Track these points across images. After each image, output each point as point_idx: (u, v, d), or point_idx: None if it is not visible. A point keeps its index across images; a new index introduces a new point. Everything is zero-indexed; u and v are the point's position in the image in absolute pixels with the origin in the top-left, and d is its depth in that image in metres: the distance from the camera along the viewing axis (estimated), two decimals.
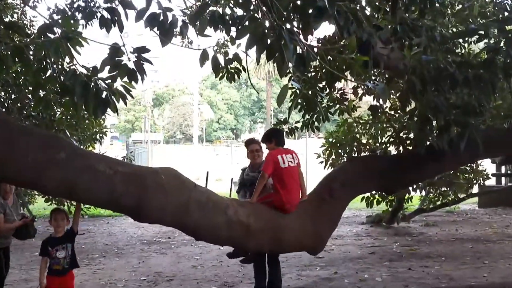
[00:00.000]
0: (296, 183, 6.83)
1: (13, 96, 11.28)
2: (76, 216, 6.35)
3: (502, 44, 7.16)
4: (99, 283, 8.80)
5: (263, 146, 7.45)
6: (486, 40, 7.61)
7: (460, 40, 8.58)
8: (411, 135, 9.32)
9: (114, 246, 12.31)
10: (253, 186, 7.20)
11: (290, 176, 6.77)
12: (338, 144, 12.25)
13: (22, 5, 11.46)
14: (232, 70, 8.24)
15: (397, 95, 8.87)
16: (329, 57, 6.27)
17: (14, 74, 10.08)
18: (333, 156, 12.29)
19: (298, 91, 7.62)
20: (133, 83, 5.22)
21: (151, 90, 71.92)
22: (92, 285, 8.67)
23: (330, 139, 12.38)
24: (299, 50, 4.48)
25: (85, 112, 11.23)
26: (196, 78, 75.60)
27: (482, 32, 7.54)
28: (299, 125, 9.50)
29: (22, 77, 10.44)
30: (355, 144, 12.09)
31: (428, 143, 7.76)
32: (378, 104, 8.91)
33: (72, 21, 5.46)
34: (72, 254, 6.17)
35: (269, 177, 6.66)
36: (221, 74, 8.12)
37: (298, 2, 4.54)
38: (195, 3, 7.09)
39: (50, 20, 5.61)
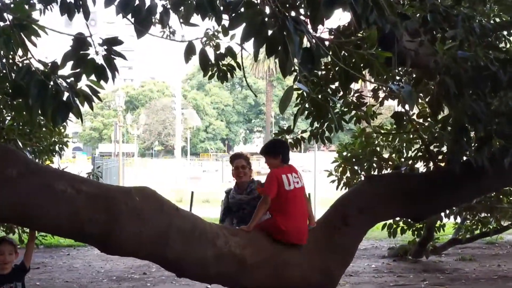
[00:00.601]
0: (303, 209, 6.81)
1: None
2: (29, 248, 6.32)
3: None
4: None
5: (261, 160, 7.43)
6: None
7: (505, 33, 8.60)
8: (444, 149, 9.31)
9: (76, 284, 12.28)
10: (241, 211, 7.20)
11: (295, 201, 6.72)
12: (354, 159, 12.23)
13: None
14: (224, 68, 8.23)
15: (427, 99, 8.86)
16: (343, 52, 6.28)
17: None
18: (348, 174, 12.26)
19: (305, 94, 7.62)
20: (101, 82, 5.21)
21: (124, 91, 71.97)
22: None
23: (344, 153, 12.36)
24: (306, 44, 4.48)
25: (42, 118, 11.25)
26: (179, 77, 75.63)
27: None
28: (306, 135, 9.48)
29: None
30: (375, 159, 12.06)
31: (464, 158, 7.76)
32: (403, 110, 8.91)
33: (26, 6, 5.47)
34: None
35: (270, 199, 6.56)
36: (210, 73, 8.12)
37: None
38: None
39: (0, 3, 5.59)
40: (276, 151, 6.98)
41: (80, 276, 13.09)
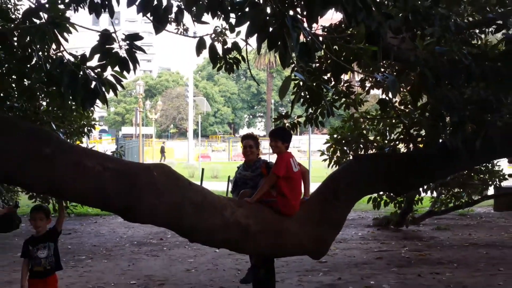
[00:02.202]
0: (300, 188, 6.85)
1: None
2: (60, 215, 6.37)
3: None
4: (86, 286, 8.81)
5: (264, 143, 7.41)
6: (504, 31, 7.60)
7: (477, 30, 8.56)
8: (422, 132, 9.29)
9: (102, 247, 12.32)
10: (245, 185, 7.19)
11: (299, 181, 6.80)
12: (343, 141, 12.22)
13: None
14: (231, 60, 8.23)
15: (408, 88, 8.85)
16: (335, 47, 6.27)
17: None
18: (338, 154, 12.25)
19: (301, 83, 7.61)
20: (124, 72, 5.21)
21: (143, 80, 71.84)
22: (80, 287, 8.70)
23: (335, 135, 12.36)
24: (303, 39, 4.47)
25: (73, 104, 11.24)
26: (191, 68, 75.38)
27: (500, 21, 7.53)
28: (302, 119, 9.48)
29: (5, 65, 10.41)
30: (362, 141, 12.06)
31: (440, 141, 7.75)
32: (387, 98, 8.90)
33: (59, 6, 5.45)
34: (55, 254, 6.16)
35: (279, 179, 6.52)
36: (219, 65, 8.12)
37: None
38: None
39: (36, 4, 5.58)
40: (287, 138, 6.93)
41: (106, 241, 13.15)
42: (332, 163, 12.10)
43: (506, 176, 15.07)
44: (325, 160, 12.35)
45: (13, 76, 10.07)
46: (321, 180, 7.60)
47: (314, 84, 7.15)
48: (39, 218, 6.19)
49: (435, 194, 14.56)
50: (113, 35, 5.02)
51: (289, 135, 7.19)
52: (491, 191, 15.81)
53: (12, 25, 5.61)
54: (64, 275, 8.76)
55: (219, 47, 7.48)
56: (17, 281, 7.63)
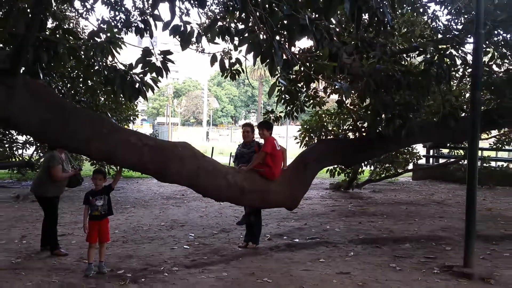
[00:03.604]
0: (281, 162, 6.87)
1: (68, 85, 11.14)
2: (116, 177, 6.36)
3: (435, 58, 7.13)
4: (130, 226, 8.77)
5: (256, 130, 7.37)
6: (424, 55, 7.57)
7: (405, 55, 8.53)
8: (365, 124, 9.28)
9: (142, 200, 12.27)
10: (242, 158, 7.17)
11: (279, 157, 6.84)
12: (310, 130, 12.25)
13: (77, 16, 11.28)
14: (234, 71, 8.16)
15: (356, 94, 8.81)
16: (307, 63, 6.21)
17: (69, 69, 9.94)
18: (307, 139, 12.29)
19: (283, 87, 7.57)
20: (159, 77, 5.15)
21: (172, 85, 71.44)
22: (125, 227, 8.64)
23: (305, 126, 12.37)
24: (285, 57, 4.42)
25: (122, 99, 11.14)
26: (206, 77, 75.03)
27: (421, 49, 7.51)
28: (282, 114, 9.44)
29: (75, 71, 10.29)
30: (323, 130, 12.08)
31: (378, 130, 7.74)
32: (343, 99, 8.88)
33: (114, 29, 5.36)
34: (108, 203, 6.12)
35: (267, 155, 6.61)
36: (225, 74, 8.05)
37: (285, 22, 4.45)
38: (207, 19, 6.99)
39: (98, 28, 5.50)
40: (270, 127, 7.11)
41: (144, 195, 13.10)
42: (302, 145, 12.13)
43: (421, 156, 15.16)
44: (297, 143, 12.37)
45: (81, 79, 10.00)
46: (294, 157, 7.57)
47: (292, 88, 7.11)
48: (99, 178, 6.15)
49: (372, 167, 14.57)
50: (152, 51, 4.96)
51: (271, 125, 7.32)
52: (410, 166, 15.85)
53: (81, 42, 5.50)
54: (114, 218, 8.72)
55: (226, 61, 7.43)
56: (80, 222, 7.59)
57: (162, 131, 39.42)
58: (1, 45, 5.70)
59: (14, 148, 14.34)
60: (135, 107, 13.99)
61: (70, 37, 5.55)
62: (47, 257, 6.59)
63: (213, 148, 20.77)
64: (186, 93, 79.42)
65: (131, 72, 5.12)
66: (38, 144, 14.04)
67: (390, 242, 7.71)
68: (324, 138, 11.92)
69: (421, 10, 8.91)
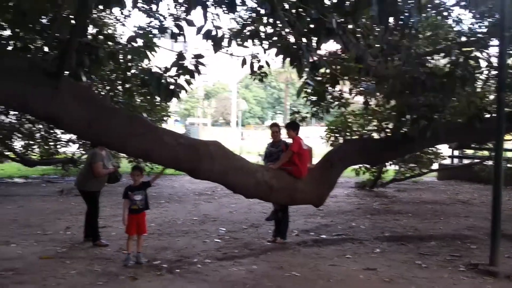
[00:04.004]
0: (307, 160, 6.87)
1: (107, 87, 11.36)
2: (157, 175, 6.50)
3: (460, 60, 7.02)
4: (165, 220, 8.90)
5: (283, 130, 7.37)
6: (448, 57, 7.45)
7: (429, 58, 8.41)
8: (390, 125, 9.18)
9: (175, 195, 12.42)
10: (271, 157, 7.20)
11: (306, 156, 6.83)
12: (336, 130, 12.21)
13: (115, 22, 11.50)
14: (262, 74, 8.17)
15: (381, 96, 8.73)
16: (333, 65, 6.20)
17: (108, 72, 10.14)
18: (332, 139, 12.25)
19: (310, 89, 7.56)
20: (191, 79, 5.22)
21: (203, 87, 71.94)
22: (161, 221, 8.77)
23: (331, 127, 12.34)
24: (312, 59, 4.43)
25: (157, 100, 11.30)
26: (235, 80, 75.35)
27: (446, 51, 7.39)
28: (308, 115, 9.42)
29: (114, 74, 10.49)
30: (348, 130, 12.01)
31: (403, 131, 7.66)
32: (369, 100, 8.82)
33: (149, 35, 5.46)
34: (146, 198, 6.23)
35: (294, 154, 6.61)
36: (254, 76, 8.06)
37: (313, 25, 4.46)
38: (237, 24, 7.04)
39: (135, 33, 5.62)
40: (297, 127, 7.13)
41: (177, 192, 13.24)
42: (328, 145, 12.08)
43: (445, 156, 14.89)
44: (323, 143, 12.33)
45: (119, 81, 10.19)
46: (320, 156, 7.55)
47: (320, 89, 7.10)
48: (136, 174, 6.25)
49: (397, 167, 14.41)
50: (185, 54, 5.03)
51: (298, 125, 7.32)
52: (435, 166, 15.60)
53: (119, 47, 5.63)
54: (150, 212, 8.81)
55: (255, 65, 7.43)
56: (119, 215, 7.74)
57: (193, 131, 39.65)
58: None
59: (58, 146, 14.77)
60: (168, 108, 14.17)
61: (110, 42, 5.67)
62: (89, 247, 6.78)
63: (241, 147, 20.87)
64: (216, 95, 79.89)
65: (166, 75, 5.20)
66: (81, 142, 14.41)
67: (415, 240, 7.63)
68: (349, 138, 11.86)
69: (445, 13, 8.76)
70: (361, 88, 8.47)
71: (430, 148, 12.92)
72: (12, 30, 5.32)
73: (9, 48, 5.02)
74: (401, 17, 4.89)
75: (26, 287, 4.95)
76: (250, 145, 33.52)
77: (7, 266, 5.69)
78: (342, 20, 4.61)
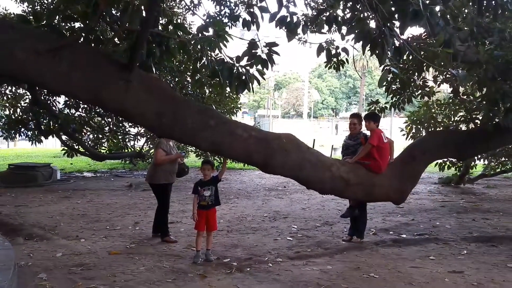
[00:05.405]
0: (387, 155, 6.65)
1: (176, 78, 11.65)
2: (223, 169, 6.49)
3: None
4: (234, 216, 9.01)
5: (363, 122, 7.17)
6: None
7: None
8: (480, 115, 8.67)
9: (244, 191, 12.55)
10: (348, 150, 7.03)
11: (386, 150, 6.61)
12: (418, 121, 11.75)
13: (185, 12, 11.75)
14: (339, 62, 7.98)
15: (471, 83, 8.26)
16: (419, 50, 5.92)
17: (177, 63, 10.37)
18: (413, 131, 11.81)
19: (393, 76, 7.29)
20: (264, 69, 5.17)
21: (273, 77, 72.12)
22: (229, 217, 8.89)
23: (412, 118, 11.90)
24: (396, 44, 4.24)
25: (226, 92, 11.41)
26: (307, 69, 74.77)
27: None
28: (388, 105, 9.12)
29: (183, 65, 10.72)
30: (432, 121, 11.52)
31: (495, 121, 7.22)
32: (458, 88, 8.40)
33: (221, 23, 5.47)
34: (216, 194, 6.29)
35: (373, 147, 6.42)
36: (330, 64, 7.89)
37: (396, 8, 4.25)
38: (312, 10, 6.91)
39: (205, 22, 5.65)
40: (377, 118, 6.96)
41: (247, 187, 13.39)
42: (409, 137, 11.67)
43: None
44: (403, 135, 11.92)
45: (189, 72, 10.39)
46: (400, 150, 7.27)
47: (404, 76, 6.82)
48: (207, 168, 6.33)
49: (486, 161, 13.67)
50: (257, 43, 4.99)
51: (378, 117, 7.11)
52: None
53: (190, 37, 5.69)
54: (219, 208, 8.97)
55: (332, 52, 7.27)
56: (188, 210, 7.95)
57: (263, 123, 39.94)
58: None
59: (127, 140, 15.38)
60: (237, 100, 14.32)
61: (180, 32, 5.74)
62: (158, 243, 6.97)
63: (314, 140, 20.66)
64: (287, 85, 79.77)
65: (238, 65, 5.19)
66: (149, 136, 14.91)
67: (507, 240, 7.21)
68: (433, 129, 11.37)
69: None
70: (447, 76, 8.06)
71: None
72: (83, 22, 5.52)
73: (80, 40, 5.20)
74: None
75: (96, 282, 5.13)
76: (323, 138, 33.23)
77: (77, 262, 5.95)
78: (429, 0, 4.37)
